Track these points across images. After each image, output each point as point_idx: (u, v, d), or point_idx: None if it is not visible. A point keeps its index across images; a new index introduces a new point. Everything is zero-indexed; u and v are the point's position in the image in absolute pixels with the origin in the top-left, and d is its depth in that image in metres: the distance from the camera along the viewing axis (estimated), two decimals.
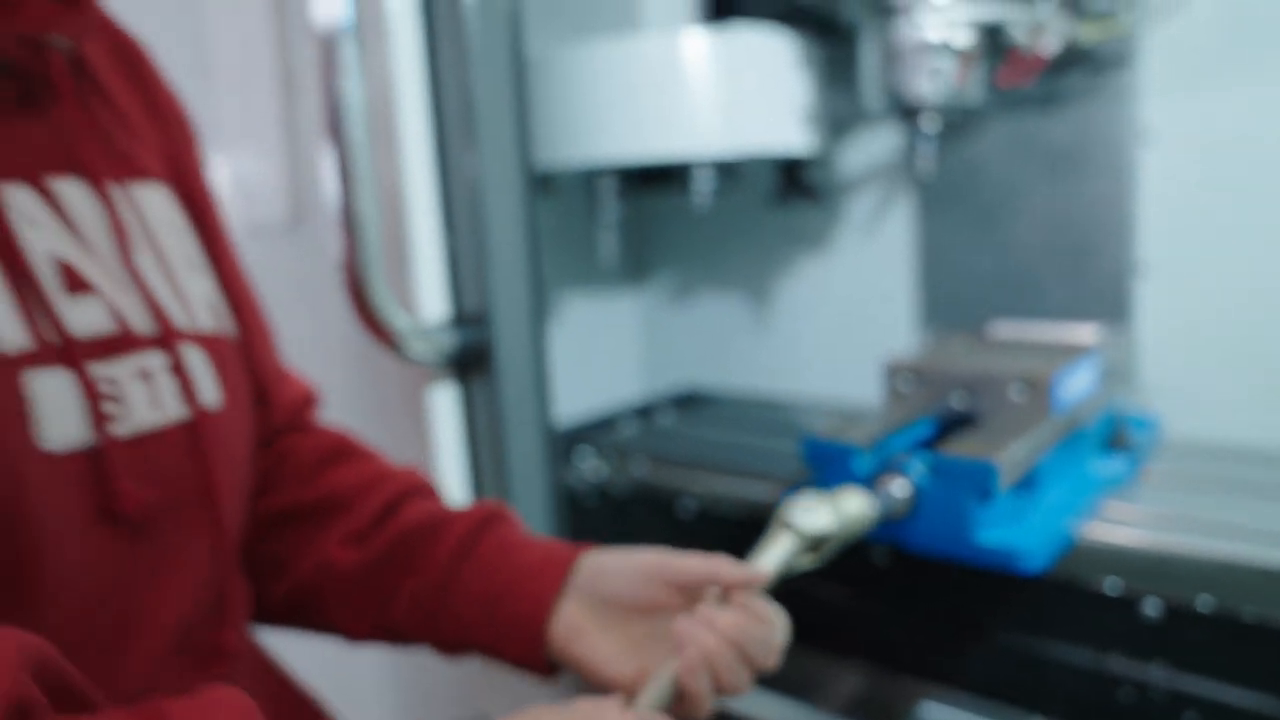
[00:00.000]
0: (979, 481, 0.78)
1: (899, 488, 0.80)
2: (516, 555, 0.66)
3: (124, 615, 0.51)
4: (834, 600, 0.93)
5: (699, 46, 1.19)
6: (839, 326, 1.58)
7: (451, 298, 0.86)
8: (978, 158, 1.36)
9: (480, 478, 0.91)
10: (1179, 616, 0.77)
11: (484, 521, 0.69)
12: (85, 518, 0.49)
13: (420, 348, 0.81)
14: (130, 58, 0.68)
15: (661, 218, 1.70)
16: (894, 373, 0.97)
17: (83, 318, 0.51)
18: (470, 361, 0.83)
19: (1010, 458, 0.79)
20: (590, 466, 1.11)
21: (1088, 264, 1.34)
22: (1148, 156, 1.28)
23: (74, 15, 0.56)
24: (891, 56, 1.14)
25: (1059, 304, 1.36)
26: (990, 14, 1.08)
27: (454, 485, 0.90)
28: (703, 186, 1.24)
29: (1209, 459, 1.05)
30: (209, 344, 0.60)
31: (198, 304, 0.61)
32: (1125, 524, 0.87)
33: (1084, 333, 1.09)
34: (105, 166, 0.57)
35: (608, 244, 1.32)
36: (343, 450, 0.74)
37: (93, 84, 0.60)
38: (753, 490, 1.03)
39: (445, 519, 0.69)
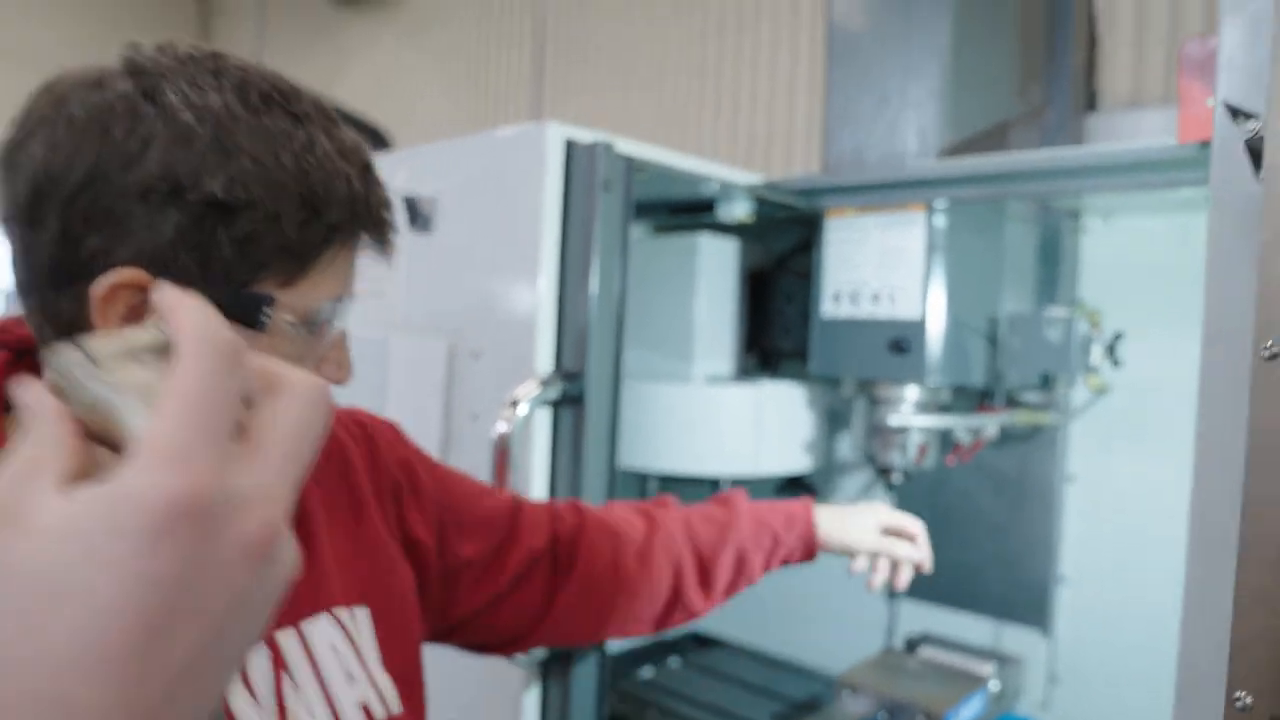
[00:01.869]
0: None
1: None
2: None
3: None
4: None
5: (736, 398, 1.64)
6: (825, 580, 1.98)
7: None
8: (944, 469, 1.77)
9: None
10: None
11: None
12: None
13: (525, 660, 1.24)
14: (351, 487, 0.85)
15: None
16: (841, 685, 1.39)
17: None
18: (553, 665, 1.26)
19: None
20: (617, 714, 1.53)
21: (1020, 569, 1.74)
22: (1069, 492, 1.70)
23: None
24: (872, 431, 1.58)
25: (996, 599, 1.76)
26: (942, 424, 1.52)
27: None
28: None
29: None
30: None
31: (350, 711, 0.78)
32: None
33: (986, 668, 1.49)
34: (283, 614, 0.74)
35: None
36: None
37: (304, 529, 0.77)
38: None
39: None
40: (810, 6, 3.65)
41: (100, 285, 0.60)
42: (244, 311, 0.64)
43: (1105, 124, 1.99)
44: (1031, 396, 1.63)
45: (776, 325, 1.89)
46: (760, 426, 1.66)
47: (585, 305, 1.26)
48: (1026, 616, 1.73)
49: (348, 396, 1.66)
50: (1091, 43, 2.00)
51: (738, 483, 1.70)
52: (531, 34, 4.61)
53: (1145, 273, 1.58)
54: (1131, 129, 1.95)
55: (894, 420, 1.51)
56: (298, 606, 0.78)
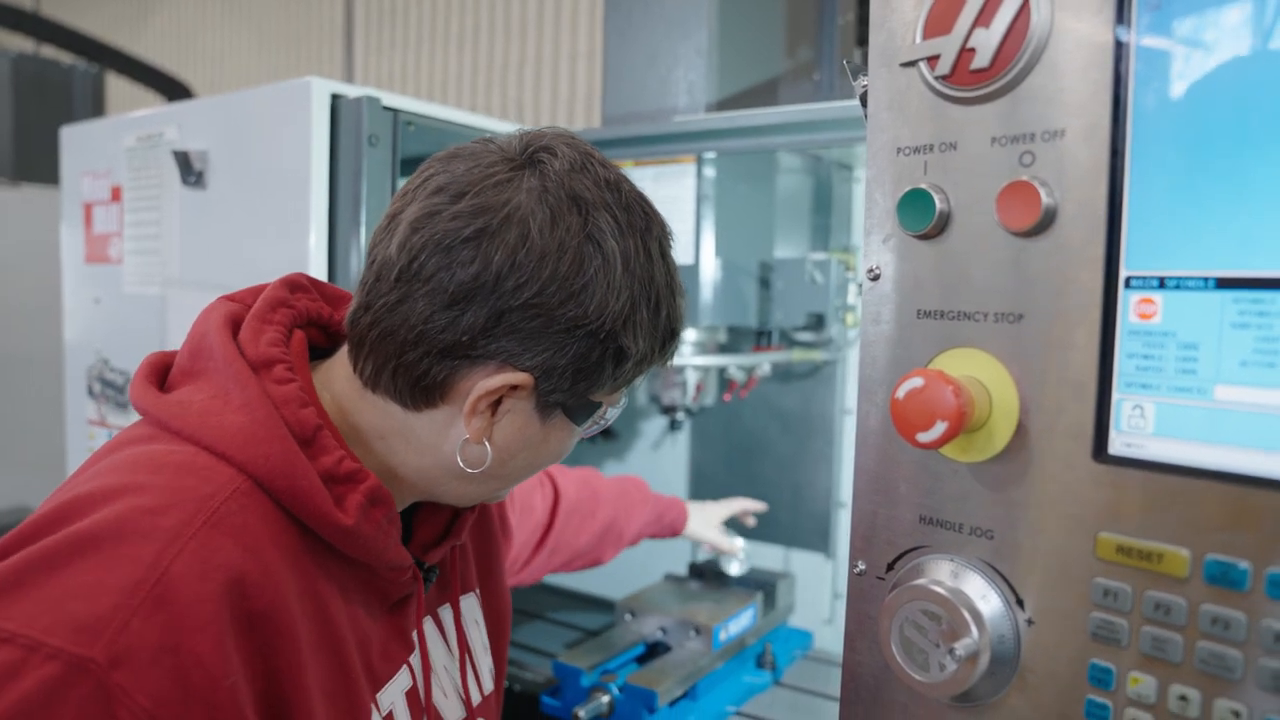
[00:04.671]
0: (647, 700, 1.29)
1: (604, 700, 1.30)
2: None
3: None
4: None
5: None
6: None
7: None
8: (736, 407, 1.89)
9: None
10: None
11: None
12: None
13: None
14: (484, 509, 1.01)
15: None
16: (622, 609, 1.49)
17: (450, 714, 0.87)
18: None
19: (668, 687, 1.31)
20: None
21: (806, 498, 1.88)
22: (848, 424, 1.84)
23: (469, 516, 0.88)
24: (653, 373, 1.67)
25: (785, 527, 1.89)
26: (715, 361, 1.62)
27: None
28: None
29: (833, 673, 1.59)
30: (484, 708, 0.95)
31: (485, 676, 0.96)
32: (751, 716, 1.40)
33: (746, 596, 1.61)
34: (456, 594, 0.93)
35: None
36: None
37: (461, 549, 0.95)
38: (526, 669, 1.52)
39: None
40: None
41: (496, 379, 0.70)
42: (578, 412, 0.76)
43: None
44: (806, 335, 1.75)
45: None
46: None
47: (356, 259, 1.28)
48: (812, 541, 1.87)
49: (127, 350, 1.63)
50: (863, 3, 2.12)
51: None
52: None
53: None
54: None
55: (674, 359, 1.60)
56: (458, 587, 0.93)
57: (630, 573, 2.01)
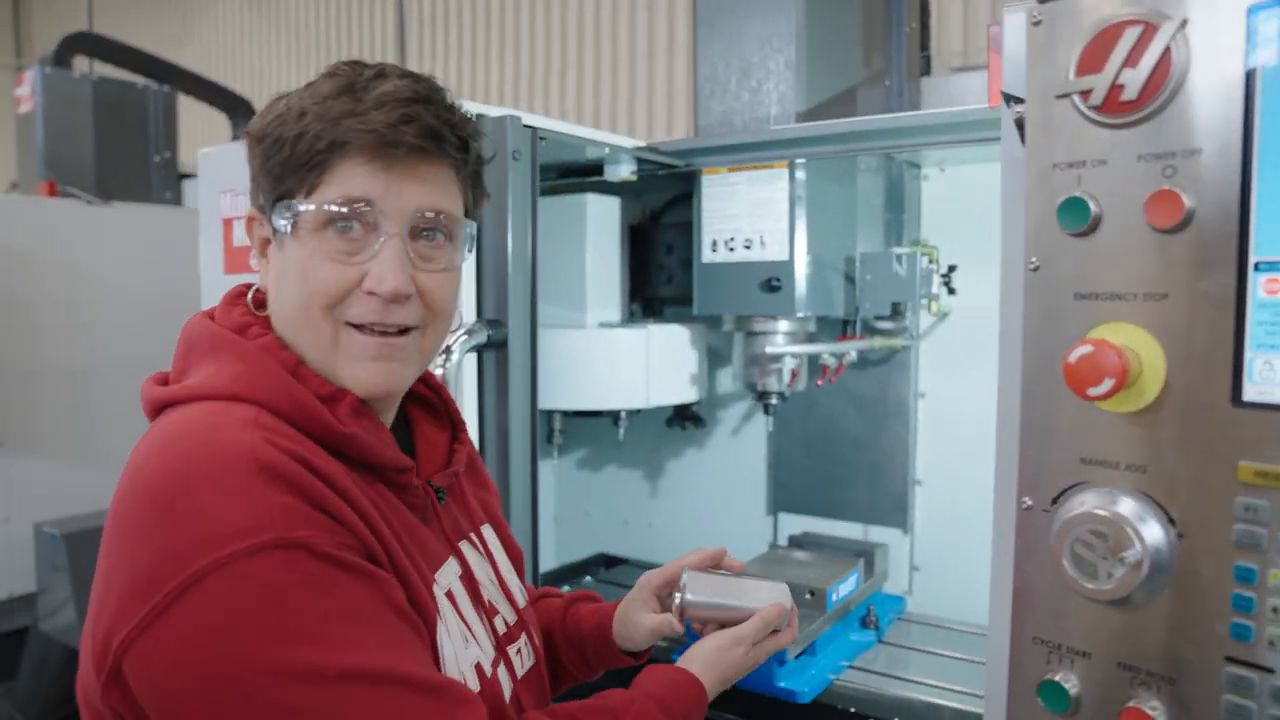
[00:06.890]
0: (778, 655, 1.44)
1: None
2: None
3: None
4: None
5: (628, 339, 1.85)
6: (712, 497, 2.23)
7: None
8: (813, 393, 2.02)
9: None
10: None
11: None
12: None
13: None
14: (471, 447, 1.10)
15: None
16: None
17: (500, 626, 0.99)
18: None
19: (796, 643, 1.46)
20: None
21: (882, 478, 2.01)
22: (921, 407, 1.98)
23: (462, 446, 1.03)
24: (749, 360, 1.82)
25: (863, 503, 2.03)
26: (811, 350, 1.77)
27: None
28: (624, 424, 1.91)
29: (928, 632, 1.73)
30: (528, 613, 1.07)
31: (516, 592, 1.06)
32: (862, 670, 1.55)
33: (857, 554, 1.76)
34: (474, 523, 1.04)
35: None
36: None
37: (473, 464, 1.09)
38: None
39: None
40: None
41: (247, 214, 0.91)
42: (278, 215, 0.85)
43: (940, 86, 2.26)
44: (885, 324, 1.89)
45: (659, 274, 2.11)
46: (649, 364, 1.87)
47: (504, 260, 1.44)
48: (889, 518, 2.00)
49: None
50: (924, 12, 2.26)
51: (631, 414, 1.93)
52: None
53: (975, 213, 1.85)
54: (960, 90, 2.24)
55: (771, 349, 1.75)
56: (477, 517, 1.04)
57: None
